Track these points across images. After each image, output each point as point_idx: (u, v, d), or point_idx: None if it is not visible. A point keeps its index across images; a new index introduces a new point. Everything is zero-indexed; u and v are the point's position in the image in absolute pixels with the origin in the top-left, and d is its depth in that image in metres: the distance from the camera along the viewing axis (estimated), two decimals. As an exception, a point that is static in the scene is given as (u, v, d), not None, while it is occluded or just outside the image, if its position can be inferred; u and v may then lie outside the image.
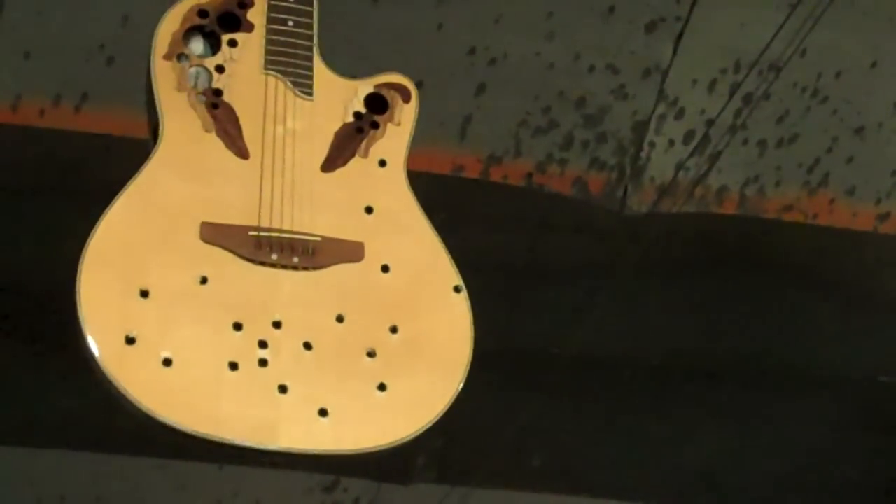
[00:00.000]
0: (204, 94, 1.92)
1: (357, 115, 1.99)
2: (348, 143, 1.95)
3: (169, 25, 1.97)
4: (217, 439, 1.80)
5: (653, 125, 3.79)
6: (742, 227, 4.06)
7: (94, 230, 1.87)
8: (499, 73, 3.63)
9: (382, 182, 1.97)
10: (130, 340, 1.82)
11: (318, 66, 1.99)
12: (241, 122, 1.91)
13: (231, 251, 1.84)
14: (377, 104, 2.03)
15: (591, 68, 3.67)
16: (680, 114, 3.78)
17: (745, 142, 3.87)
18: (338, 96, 1.99)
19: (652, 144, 3.83)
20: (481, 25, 3.54)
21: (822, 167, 3.96)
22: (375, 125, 2.00)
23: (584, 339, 4.42)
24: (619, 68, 3.68)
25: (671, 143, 3.84)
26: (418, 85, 3.59)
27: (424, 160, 3.72)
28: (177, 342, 1.81)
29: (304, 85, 1.95)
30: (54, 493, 4.22)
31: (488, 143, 3.78)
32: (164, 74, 1.95)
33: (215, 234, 1.83)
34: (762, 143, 3.89)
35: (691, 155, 3.86)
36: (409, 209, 1.99)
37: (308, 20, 2.00)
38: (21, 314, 3.57)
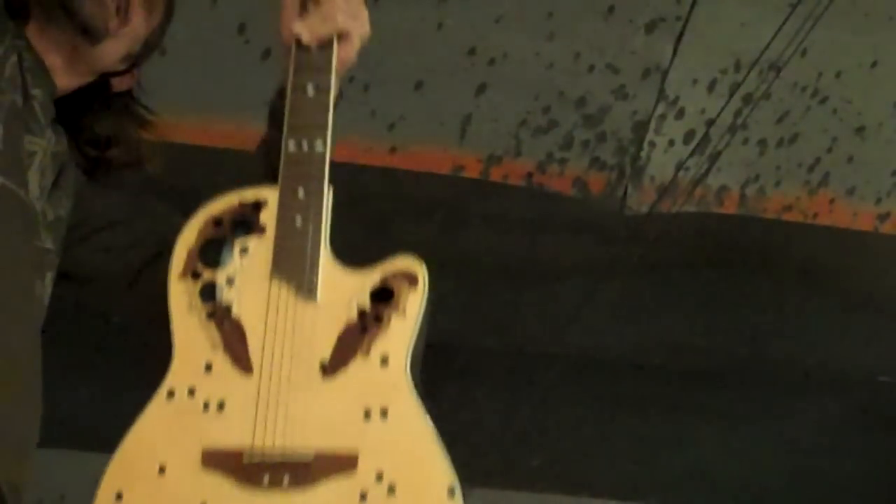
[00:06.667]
0: (214, 312, 1.95)
1: (362, 312, 1.96)
2: (351, 343, 1.93)
3: (186, 241, 1.99)
4: None
5: (653, 125, 3.79)
6: (742, 227, 4.06)
7: (108, 466, 1.90)
8: (499, 73, 3.63)
9: (382, 383, 1.93)
10: None
11: (326, 263, 1.95)
12: (248, 335, 1.94)
13: (228, 477, 1.88)
14: (383, 294, 1.96)
15: (591, 68, 3.67)
16: (680, 114, 3.79)
17: (745, 142, 3.88)
18: (343, 294, 1.95)
19: (652, 144, 3.83)
20: (481, 25, 3.55)
21: (823, 167, 3.96)
22: (379, 319, 1.97)
23: (584, 339, 4.42)
24: (619, 68, 3.68)
25: (671, 143, 3.84)
26: (418, 85, 3.60)
27: (424, 160, 3.73)
28: None
29: (308, 286, 1.93)
30: (54, 493, 4.22)
31: (488, 143, 3.78)
32: (177, 295, 1.98)
33: (214, 461, 1.88)
34: (762, 143, 3.90)
35: (691, 155, 3.86)
36: (407, 409, 1.96)
37: (318, 215, 1.95)
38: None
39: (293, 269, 1.96)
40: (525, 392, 4.57)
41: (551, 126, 3.77)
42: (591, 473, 4.85)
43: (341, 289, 1.97)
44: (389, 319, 1.97)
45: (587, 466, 4.82)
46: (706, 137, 3.83)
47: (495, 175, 3.83)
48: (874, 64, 3.77)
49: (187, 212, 2.02)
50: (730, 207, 4.00)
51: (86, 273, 2.08)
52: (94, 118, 2.10)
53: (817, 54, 3.70)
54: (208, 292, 1.98)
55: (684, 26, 3.60)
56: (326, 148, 1.94)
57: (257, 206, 1.99)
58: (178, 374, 1.95)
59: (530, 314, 4.31)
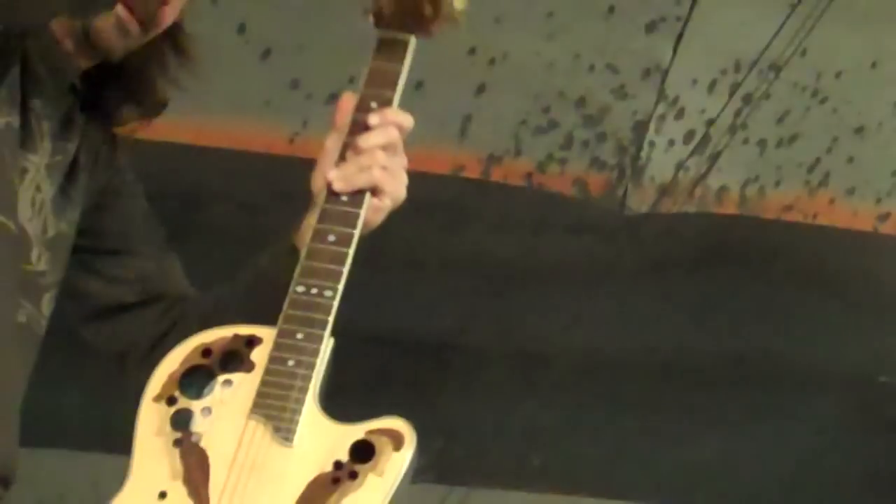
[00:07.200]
0: (181, 440, 1.85)
1: (338, 464, 1.83)
2: (319, 494, 1.81)
3: (168, 366, 1.90)
4: None
5: (653, 125, 3.79)
6: (742, 227, 4.06)
7: None
8: (499, 73, 3.63)
9: None
10: None
11: (310, 410, 1.85)
12: (212, 468, 1.83)
13: None
14: (364, 452, 1.84)
15: (591, 68, 3.67)
16: (680, 114, 3.79)
17: (745, 142, 3.88)
18: (322, 443, 1.85)
19: (652, 144, 3.83)
20: (481, 25, 3.55)
21: (823, 167, 3.96)
22: (354, 475, 1.82)
23: (584, 339, 4.42)
24: (619, 68, 3.68)
25: (671, 143, 3.84)
26: (418, 85, 3.60)
27: (424, 160, 3.73)
28: None
29: (286, 430, 1.84)
30: (54, 493, 4.22)
31: (488, 143, 3.78)
32: (147, 417, 1.88)
33: None
34: (762, 143, 3.90)
35: (691, 155, 3.86)
36: None
37: (312, 361, 1.86)
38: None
39: (274, 410, 1.86)
40: (525, 392, 4.57)
41: (551, 126, 3.77)
42: (591, 473, 4.85)
43: (320, 439, 1.87)
44: (365, 478, 1.84)
45: (587, 466, 4.82)
46: (706, 137, 3.83)
47: (495, 175, 3.83)
48: (874, 64, 3.77)
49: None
50: (730, 207, 4.00)
51: (64, 285, 2.03)
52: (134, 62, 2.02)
53: (817, 54, 3.71)
54: (181, 418, 1.91)
55: (684, 26, 3.61)
56: (336, 298, 1.86)
57: (251, 342, 1.91)
58: (129, 497, 1.85)
59: (530, 314, 4.31)
